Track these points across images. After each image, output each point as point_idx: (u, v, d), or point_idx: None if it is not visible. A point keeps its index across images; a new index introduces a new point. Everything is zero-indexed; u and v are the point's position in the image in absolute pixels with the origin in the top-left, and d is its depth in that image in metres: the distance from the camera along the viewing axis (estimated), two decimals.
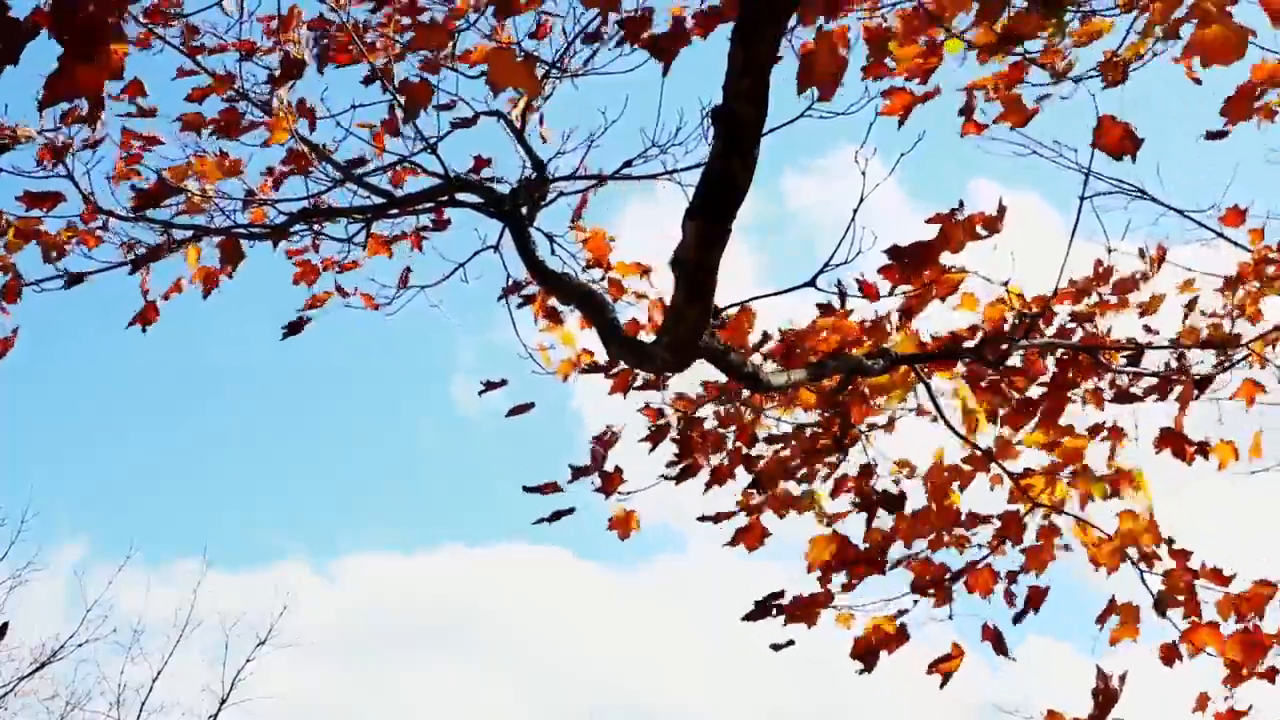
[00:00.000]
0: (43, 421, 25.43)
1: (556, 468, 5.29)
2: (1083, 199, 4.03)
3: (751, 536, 5.09)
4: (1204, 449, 5.01)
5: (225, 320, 31.44)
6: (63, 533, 28.48)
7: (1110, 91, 3.97)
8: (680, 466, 5.17)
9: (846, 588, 4.80)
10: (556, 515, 5.05)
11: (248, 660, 17.43)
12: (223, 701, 17.12)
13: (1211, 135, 4.30)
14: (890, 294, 4.62)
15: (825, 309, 4.80)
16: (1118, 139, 3.78)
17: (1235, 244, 4.52)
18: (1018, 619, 4.81)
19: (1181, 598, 4.65)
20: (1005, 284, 4.64)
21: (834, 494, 5.07)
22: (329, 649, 28.32)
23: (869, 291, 4.63)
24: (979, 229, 4.54)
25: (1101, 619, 4.76)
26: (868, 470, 5.06)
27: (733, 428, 5.20)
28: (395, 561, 27.58)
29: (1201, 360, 5.05)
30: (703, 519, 5.11)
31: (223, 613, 20.14)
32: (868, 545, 4.87)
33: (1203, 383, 5.01)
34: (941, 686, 4.67)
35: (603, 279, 5.35)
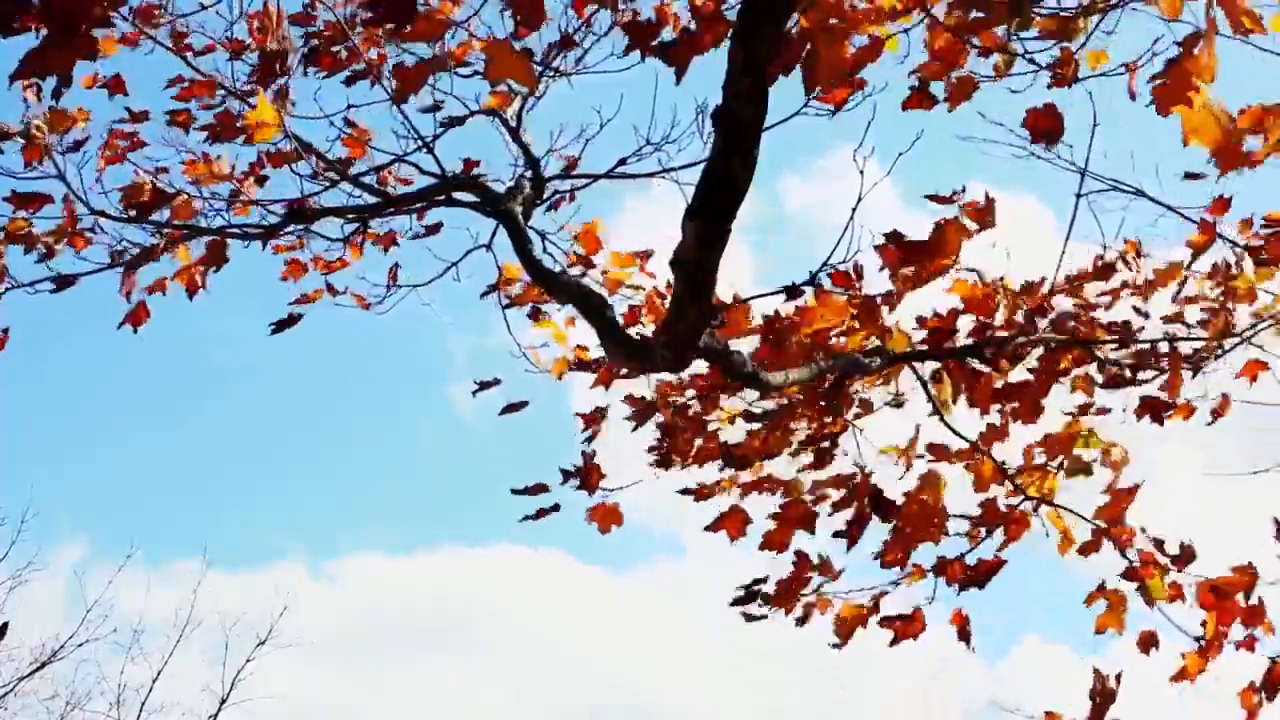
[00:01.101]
0: (42, 422, 25.29)
1: (554, 469, 5.28)
2: (1079, 197, 4.04)
3: (733, 523, 5.09)
4: (1173, 405, 5.05)
5: (224, 321, 31.31)
6: (62, 533, 28.46)
7: (1107, 91, 3.98)
8: (662, 454, 5.18)
9: (822, 569, 4.85)
10: (541, 512, 5.08)
11: (248, 660, 17.44)
12: (223, 701, 17.10)
13: (1190, 176, 4.38)
14: (880, 271, 4.62)
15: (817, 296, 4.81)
16: (1046, 126, 3.86)
17: (1234, 243, 4.54)
18: (963, 587, 4.85)
19: (1157, 582, 4.73)
20: (1001, 279, 4.66)
21: (817, 466, 5.06)
22: (328, 649, 28.32)
23: (842, 282, 4.63)
24: (970, 223, 4.56)
25: (1089, 600, 4.82)
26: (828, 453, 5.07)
27: (714, 413, 5.20)
28: (394, 562, 27.68)
29: (1195, 349, 5.08)
30: (684, 492, 5.12)
31: (223, 613, 20.12)
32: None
33: (1193, 359, 5.04)
34: (891, 645, 4.76)
35: (583, 275, 5.34)
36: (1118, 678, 4.06)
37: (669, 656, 25.50)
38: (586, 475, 5.16)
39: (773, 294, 4.32)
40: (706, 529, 5.08)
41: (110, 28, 3.37)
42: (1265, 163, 3.56)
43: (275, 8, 4.39)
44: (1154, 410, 5.06)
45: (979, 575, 4.89)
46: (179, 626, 17.53)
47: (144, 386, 27.72)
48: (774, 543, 4.95)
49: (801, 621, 4.90)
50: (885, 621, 4.83)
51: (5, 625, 6.76)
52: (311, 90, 4.67)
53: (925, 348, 4.69)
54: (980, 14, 3.87)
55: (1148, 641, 4.81)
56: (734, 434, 5.23)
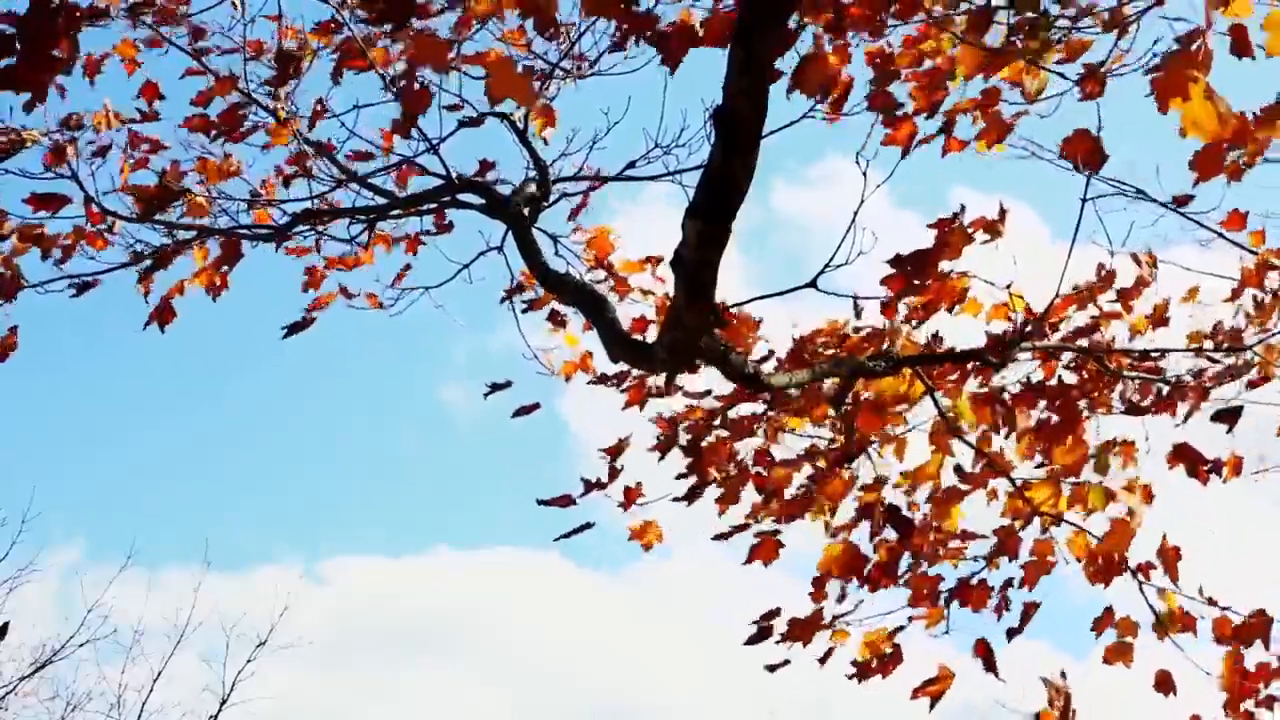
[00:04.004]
0: (36, 424, 25.42)
1: (544, 471, 5.27)
2: (1084, 200, 4.02)
3: (767, 551, 5.02)
4: (1217, 467, 4.94)
5: (220, 323, 31.46)
6: (56, 535, 28.62)
7: (1106, 101, 3.97)
8: (690, 486, 5.13)
9: (840, 598, 4.80)
10: (576, 530, 5.03)
11: (248, 661, 17.47)
12: (223, 702, 17.13)
13: (1179, 200, 4.34)
14: (895, 300, 4.61)
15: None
16: (1086, 151, 3.84)
17: (1234, 244, 4.51)
18: (1011, 635, 4.79)
19: (1175, 615, 4.64)
20: (1008, 287, 4.63)
21: (832, 499, 5.03)
22: (323, 651, 28.26)
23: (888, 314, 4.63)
24: (980, 234, 4.55)
25: (1098, 628, 4.74)
26: (879, 482, 5.03)
27: (748, 439, 5.15)
28: (388, 565, 27.55)
29: (1214, 365, 5.01)
30: (718, 538, 5.06)
31: (222, 614, 20.09)
32: (879, 558, 4.86)
33: (1227, 416, 4.92)
34: (931, 708, 4.67)
35: (605, 279, 5.35)
36: (1063, 674, 3.96)
37: (663, 658, 25.36)
38: (626, 493, 5.12)
39: (782, 294, 4.32)
40: (744, 564, 5.00)
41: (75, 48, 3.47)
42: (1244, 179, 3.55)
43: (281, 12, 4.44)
44: (1191, 464, 4.94)
45: (1021, 623, 4.83)
46: (179, 627, 17.50)
47: (133, 389, 27.80)
48: (761, 556, 4.92)
49: (823, 661, 4.85)
50: (917, 691, 4.69)
51: (6, 625, 6.82)
52: (327, 89, 4.70)
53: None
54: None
55: (1166, 683, 4.68)
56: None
